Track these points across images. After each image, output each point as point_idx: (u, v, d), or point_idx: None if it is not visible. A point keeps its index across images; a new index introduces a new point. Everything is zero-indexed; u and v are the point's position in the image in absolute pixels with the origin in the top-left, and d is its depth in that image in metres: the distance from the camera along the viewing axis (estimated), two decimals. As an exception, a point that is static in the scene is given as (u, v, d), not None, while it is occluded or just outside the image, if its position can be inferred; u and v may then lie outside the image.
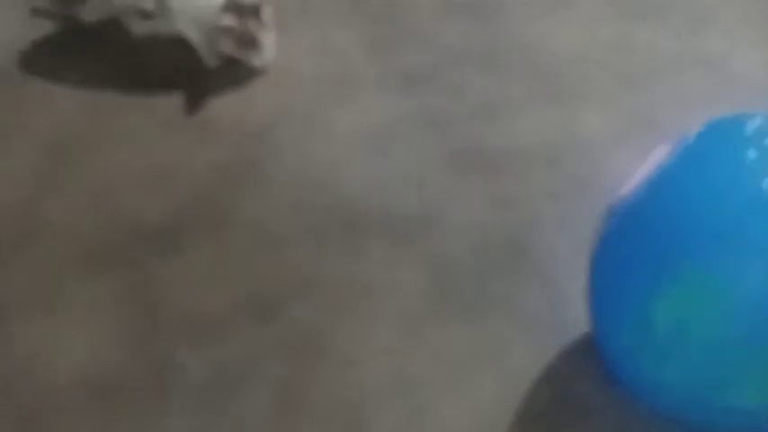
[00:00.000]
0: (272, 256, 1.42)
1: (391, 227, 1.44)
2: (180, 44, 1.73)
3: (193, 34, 1.68)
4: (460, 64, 1.67)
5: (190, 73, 1.72)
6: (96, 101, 1.68)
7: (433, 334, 1.31)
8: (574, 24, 1.72)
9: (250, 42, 1.62)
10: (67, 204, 1.51)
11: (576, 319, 1.30)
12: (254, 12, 1.60)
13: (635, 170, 1.46)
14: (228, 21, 1.58)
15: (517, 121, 1.57)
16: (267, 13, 1.62)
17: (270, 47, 1.64)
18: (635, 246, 1.04)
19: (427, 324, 1.32)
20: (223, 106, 1.65)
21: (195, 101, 1.67)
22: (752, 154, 0.98)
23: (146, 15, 1.76)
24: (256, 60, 1.64)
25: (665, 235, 1.01)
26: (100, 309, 1.37)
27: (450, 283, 1.36)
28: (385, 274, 1.38)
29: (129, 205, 1.51)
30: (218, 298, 1.37)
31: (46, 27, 1.82)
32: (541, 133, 1.54)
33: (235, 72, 1.70)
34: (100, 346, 1.33)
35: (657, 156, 1.06)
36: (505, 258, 1.38)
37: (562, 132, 1.54)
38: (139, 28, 1.79)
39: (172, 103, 1.67)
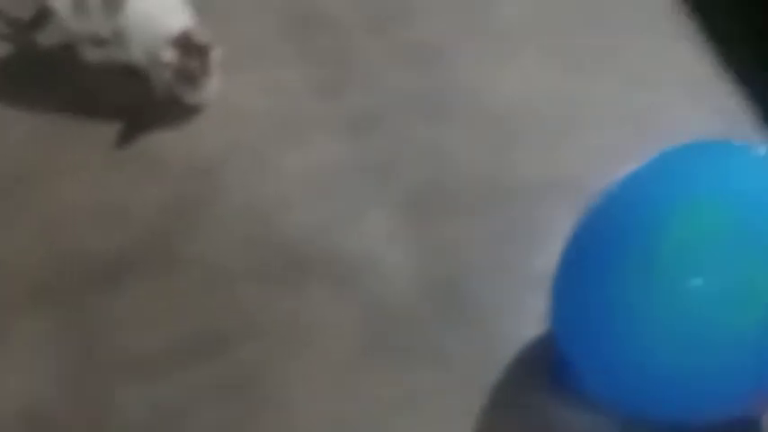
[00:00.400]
0: (215, 295, 1.46)
1: (333, 268, 1.49)
2: (134, 74, 1.76)
3: (147, 63, 1.71)
4: (406, 108, 1.72)
5: (141, 106, 1.74)
6: (45, 131, 1.70)
7: (369, 377, 1.36)
8: (516, 74, 1.78)
9: (188, 80, 1.64)
10: (10, 239, 1.53)
11: (506, 366, 1.36)
12: (201, 52, 1.62)
13: (566, 217, 1.54)
14: (171, 55, 1.61)
15: (457, 167, 1.63)
16: (215, 56, 1.64)
17: (208, 88, 1.67)
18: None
19: (364, 368, 1.37)
20: (172, 142, 1.68)
21: (145, 135, 1.69)
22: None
23: (100, 42, 1.78)
24: (189, 98, 1.67)
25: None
26: (40, 346, 1.39)
27: (387, 326, 1.41)
28: (326, 316, 1.43)
29: (73, 241, 1.53)
30: (160, 336, 1.40)
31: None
32: (480, 180, 1.60)
33: (185, 108, 1.73)
34: (39, 384, 1.35)
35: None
36: (441, 303, 1.44)
37: (500, 179, 1.61)
38: (93, 55, 1.81)
39: (122, 136, 1.69)
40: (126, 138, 1.68)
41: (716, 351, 1.08)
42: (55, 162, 1.64)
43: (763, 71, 1.80)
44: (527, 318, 1.42)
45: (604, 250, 1.14)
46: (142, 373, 1.36)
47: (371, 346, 1.39)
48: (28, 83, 1.78)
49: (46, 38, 1.82)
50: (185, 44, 1.62)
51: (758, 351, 1.07)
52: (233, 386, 1.35)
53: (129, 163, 1.64)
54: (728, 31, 1.89)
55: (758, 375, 1.10)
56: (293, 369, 1.37)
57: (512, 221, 1.54)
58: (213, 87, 1.68)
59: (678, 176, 1.13)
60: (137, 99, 1.75)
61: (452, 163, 1.63)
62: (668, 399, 1.14)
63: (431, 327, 1.41)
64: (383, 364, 1.37)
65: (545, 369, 1.36)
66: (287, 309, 1.44)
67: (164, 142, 1.68)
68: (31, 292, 1.46)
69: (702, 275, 1.06)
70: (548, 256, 1.49)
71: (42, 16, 1.76)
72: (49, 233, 1.54)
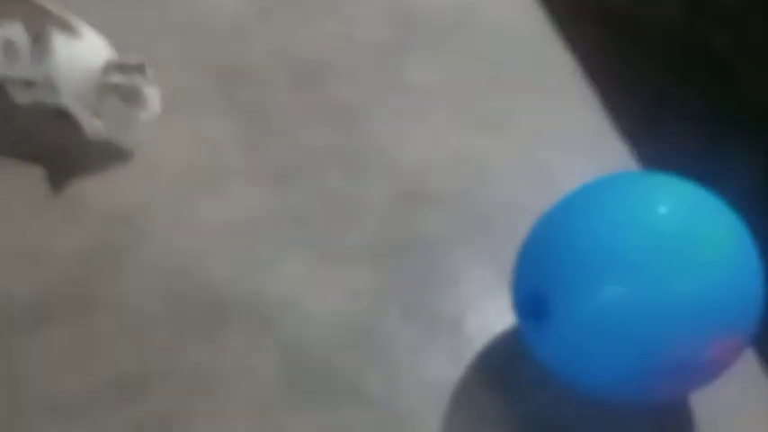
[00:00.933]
0: (133, 341, 1.49)
1: (250, 314, 1.54)
2: (63, 117, 1.78)
3: (76, 106, 1.74)
4: (324, 163, 1.81)
5: (67, 150, 1.77)
6: (-36, 176, 1.70)
7: (286, 420, 1.40)
8: (426, 133, 1.90)
9: (136, 97, 1.67)
10: (-72, 282, 1.52)
11: (413, 406, 1.44)
12: (140, 69, 1.67)
13: (473, 266, 1.64)
14: (115, 78, 1.65)
15: (370, 219, 1.72)
16: (149, 70, 1.68)
17: (155, 101, 1.70)
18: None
19: (280, 410, 1.42)
20: (94, 188, 1.71)
21: (67, 180, 1.72)
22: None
23: (29, 84, 1.81)
24: (143, 114, 1.69)
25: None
26: (-43, 389, 1.39)
27: (302, 369, 1.47)
28: (242, 361, 1.47)
29: (-8, 285, 1.53)
30: (79, 380, 1.42)
31: None
32: (391, 232, 1.69)
33: (108, 154, 1.76)
34: (-45, 427, 1.34)
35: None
36: (355, 345, 1.51)
37: (408, 232, 1.70)
38: (23, 97, 1.83)
39: (43, 180, 1.71)
40: (48, 182, 1.71)
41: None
42: (-26, 207, 1.65)
43: (648, 129, 1.97)
44: (439, 357, 1.50)
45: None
46: (62, 416, 1.37)
47: (289, 389, 1.44)
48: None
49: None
50: (121, 66, 1.66)
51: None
52: (152, 428, 1.37)
53: (50, 208, 1.66)
54: (618, 92, 2.07)
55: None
56: (209, 412, 1.40)
57: (422, 270, 1.64)
58: (158, 100, 1.70)
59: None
60: (62, 143, 1.78)
61: (366, 215, 1.72)
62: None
63: (345, 368, 1.48)
64: (301, 404, 1.43)
65: (459, 400, 1.44)
66: (203, 353, 1.48)
67: (86, 188, 1.71)
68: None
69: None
70: (456, 300, 1.59)
71: None
72: (-34, 277, 1.54)
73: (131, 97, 1.67)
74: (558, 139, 1.91)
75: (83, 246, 1.61)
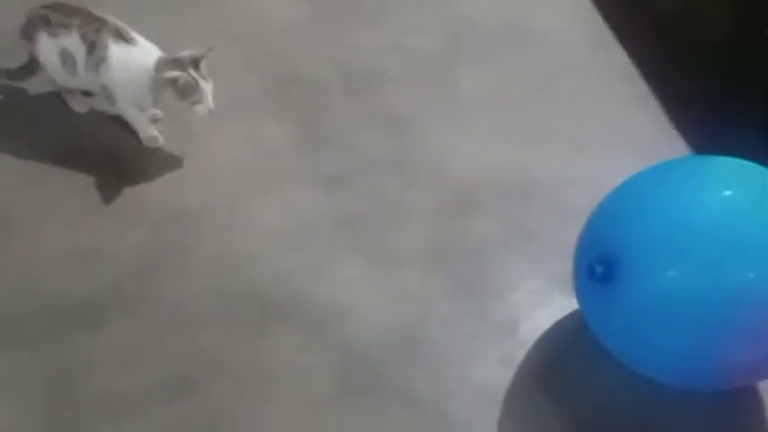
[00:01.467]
0: (188, 339, 1.50)
1: (303, 315, 1.55)
2: (119, 124, 1.83)
3: (132, 113, 1.79)
4: (375, 169, 1.82)
5: (124, 154, 1.81)
6: (29, 175, 1.75)
7: (336, 420, 1.41)
8: (473, 142, 1.90)
9: (193, 91, 1.69)
10: (-8, 279, 1.57)
11: (463, 410, 1.43)
12: (194, 63, 1.69)
13: (524, 273, 1.63)
14: (169, 73, 1.67)
15: (420, 224, 1.72)
16: (204, 64, 1.71)
17: (209, 94, 1.72)
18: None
19: (331, 410, 1.42)
20: (150, 191, 1.74)
21: (125, 182, 1.75)
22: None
23: (87, 93, 1.86)
24: (199, 108, 1.71)
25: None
26: (19, 383, 1.42)
27: (353, 371, 1.47)
28: (293, 361, 1.49)
29: (51, 283, 1.57)
30: (135, 377, 1.45)
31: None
32: (441, 237, 1.69)
33: (165, 158, 1.80)
34: (19, 420, 1.38)
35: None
36: (406, 349, 1.51)
37: (458, 238, 1.70)
38: (80, 105, 1.88)
39: (103, 182, 1.75)
40: (107, 184, 1.75)
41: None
42: (37, 206, 1.70)
43: (708, 133, 1.94)
44: (489, 362, 1.50)
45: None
46: (119, 411, 1.39)
47: (340, 390, 1.45)
48: (14, 129, 1.85)
49: (36, 87, 1.89)
50: (174, 61, 1.69)
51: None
52: (204, 427, 1.39)
53: (108, 210, 1.70)
54: (674, 94, 2.04)
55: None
56: (262, 412, 1.42)
57: (471, 276, 1.63)
58: (212, 95, 1.72)
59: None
60: (120, 148, 1.82)
61: (417, 221, 1.73)
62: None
63: (399, 371, 1.48)
64: (353, 407, 1.43)
65: (510, 405, 1.44)
66: (257, 353, 1.49)
67: (143, 191, 1.74)
68: (9, 330, 1.49)
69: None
70: (507, 305, 1.58)
71: (31, 68, 1.84)
72: (28, 274, 1.58)
73: (187, 91, 1.69)
74: (608, 144, 1.90)
75: (139, 246, 1.64)
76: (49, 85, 1.86)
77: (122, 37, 1.73)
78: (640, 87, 2.07)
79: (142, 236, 1.66)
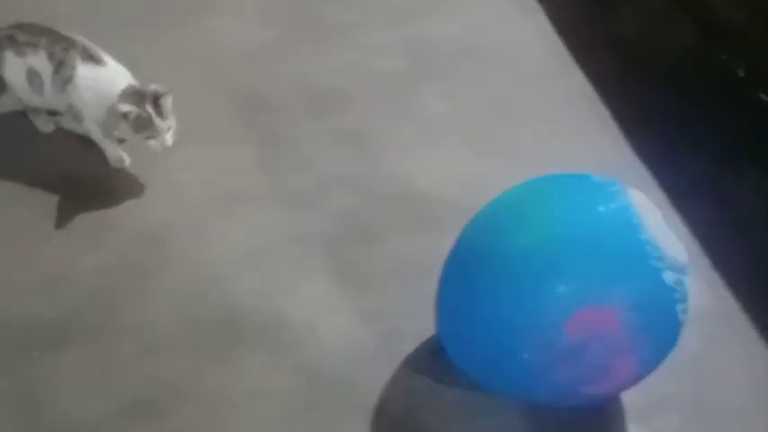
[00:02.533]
0: (151, 363, 1.50)
1: (267, 338, 1.55)
2: (84, 143, 1.82)
3: (98, 134, 1.78)
4: (339, 188, 1.83)
5: (88, 175, 1.81)
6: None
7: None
8: (434, 159, 1.92)
9: (146, 127, 1.69)
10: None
11: (431, 422, 1.44)
12: (154, 98, 1.69)
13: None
14: (126, 106, 1.67)
15: (386, 243, 1.73)
16: (167, 100, 1.70)
17: (168, 132, 1.72)
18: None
19: (298, 430, 1.42)
20: (115, 213, 1.74)
21: (89, 205, 1.75)
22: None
23: (53, 113, 1.85)
24: (153, 144, 1.71)
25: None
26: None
27: (319, 392, 1.48)
28: (259, 383, 1.48)
29: (12, 307, 1.56)
30: (98, 400, 1.44)
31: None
32: (405, 256, 1.71)
33: (130, 180, 1.80)
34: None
35: None
36: (373, 368, 1.51)
37: (423, 255, 1.70)
38: (46, 126, 1.88)
39: (66, 204, 1.74)
40: (70, 206, 1.74)
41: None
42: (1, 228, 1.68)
43: (665, 151, 1.98)
44: (447, 376, 1.50)
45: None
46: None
47: (306, 411, 1.45)
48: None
49: (1, 106, 1.88)
50: (136, 94, 1.69)
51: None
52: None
53: (73, 232, 1.70)
54: (633, 113, 2.08)
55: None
56: (227, 434, 1.41)
57: (429, 294, 1.64)
58: (172, 133, 1.72)
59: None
60: (84, 168, 1.82)
61: (381, 239, 1.74)
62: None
63: (361, 389, 1.48)
64: (318, 427, 1.43)
65: (479, 417, 1.45)
66: (221, 377, 1.49)
67: (108, 213, 1.74)
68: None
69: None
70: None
71: None
72: (-11, 300, 1.57)
73: (140, 126, 1.69)
74: (572, 163, 1.93)
75: (104, 269, 1.64)
76: (15, 105, 1.86)
77: (91, 57, 1.73)
78: (599, 105, 2.11)
79: (105, 259, 1.66)
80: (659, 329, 1.32)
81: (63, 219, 1.72)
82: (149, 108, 1.68)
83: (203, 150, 1.89)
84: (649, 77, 2.21)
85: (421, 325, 1.58)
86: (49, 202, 1.75)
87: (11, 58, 1.75)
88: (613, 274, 1.28)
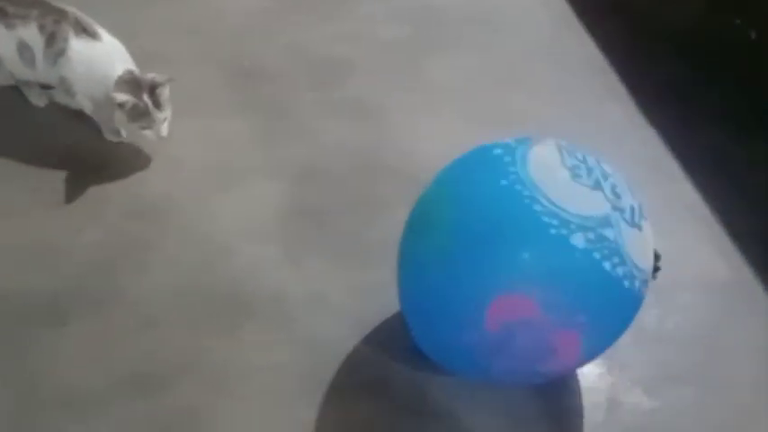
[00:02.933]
0: (153, 336, 1.47)
1: (269, 311, 1.53)
2: (78, 117, 1.79)
3: (92, 108, 1.75)
4: (341, 160, 1.80)
5: (83, 149, 1.77)
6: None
7: (304, 415, 1.39)
8: (440, 130, 1.88)
9: (142, 117, 1.66)
10: (-52, 279, 1.53)
11: (435, 397, 1.41)
12: (151, 88, 1.65)
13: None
14: (122, 96, 1.64)
15: (388, 214, 1.69)
16: (164, 90, 1.67)
17: (164, 123, 1.69)
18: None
19: (299, 405, 1.40)
20: (114, 187, 1.71)
21: (87, 178, 1.72)
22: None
23: (45, 86, 1.81)
24: (148, 134, 1.69)
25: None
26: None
27: (321, 365, 1.45)
28: (261, 356, 1.46)
29: (11, 282, 1.53)
30: (99, 375, 1.41)
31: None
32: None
33: (128, 153, 1.76)
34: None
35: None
36: (375, 342, 1.49)
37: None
38: (39, 99, 1.84)
39: (64, 178, 1.71)
40: (66, 181, 1.71)
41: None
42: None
43: (678, 120, 1.94)
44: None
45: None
46: (83, 410, 1.36)
47: (308, 384, 1.42)
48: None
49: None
50: (133, 82, 1.65)
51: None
52: (171, 424, 1.36)
53: (71, 206, 1.67)
54: (644, 82, 2.03)
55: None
56: (229, 408, 1.39)
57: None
58: (167, 123, 1.70)
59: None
60: (79, 142, 1.78)
61: (383, 210, 1.70)
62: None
63: (367, 365, 1.46)
64: (320, 401, 1.41)
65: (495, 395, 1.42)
66: (224, 350, 1.46)
67: (107, 187, 1.70)
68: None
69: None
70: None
71: None
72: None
73: (135, 116, 1.65)
74: (581, 134, 1.89)
75: (104, 242, 1.61)
76: (8, 80, 1.82)
77: (85, 30, 1.68)
78: (608, 74, 2.06)
79: (103, 232, 1.63)
80: (592, 296, 1.22)
81: (60, 193, 1.69)
82: (146, 98, 1.64)
83: (202, 122, 1.85)
84: (660, 46, 2.16)
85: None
86: (46, 176, 1.71)
87: (1, 31, 1.70)
88: (517, 259, 1.20)
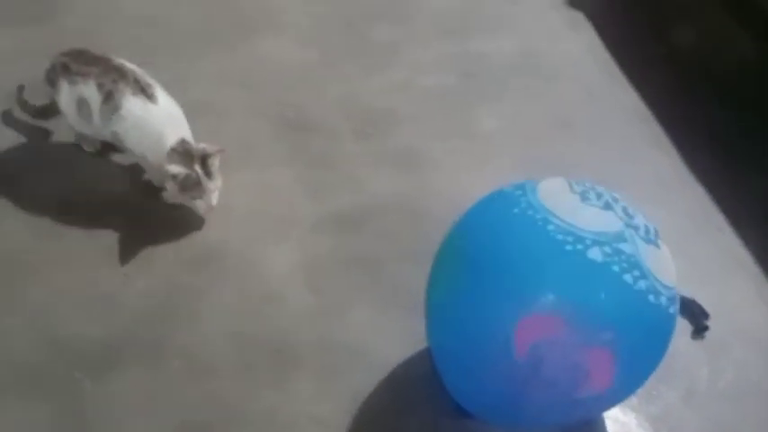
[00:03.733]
0: (203, 386, 1.49)
1: (317, 362, 1.53)
2: (135, 168, 1.84)
3: (145, 164, 1.79)
4: (389, 210, 1.81)
5: (136, 199, 1.81)
6: (45, 221, 1.74)
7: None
8: (490, 178, 1.87)
9: (194, 188, 1.68)
10: (2, 325, 1.56)
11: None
12: (202, 158, 1.68)
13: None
14: (176, 167, 1.66)
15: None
16: (215, 161, 1.69)
17: (214, 192, 1.71)
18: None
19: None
20: (166, 236, 1.74)
21: (139, 228, 1.75)
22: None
23: (102, 141, 1.86)
24: (200, 204, 1.71)
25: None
26: (37, 428, 1.41)
27: (369, 418, 1.45)
28: (310, 409, 1.46)
29: (64, 330, 1.56)
30: (149, 424, 1.43)
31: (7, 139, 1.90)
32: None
33: (178, 203, 1.80)
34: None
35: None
36: (421, 393, 1.48)
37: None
38: (91, 146, 1.88)
39: (116, 228, 1.74)
40: (121, 229, 1.74)
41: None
42: (51, 252, 1.69)
43: (724, 172, 1.92)
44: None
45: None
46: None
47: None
48: (33, 173, 1.85)
49: (55, 128, 1.91)
50: (185, 153, 1.68)
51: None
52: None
53: (123, 254, 1.70)
54: (689, 132, 2.02)
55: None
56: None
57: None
58: (217, 194, 1.71)
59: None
60: (133, 193, 1.82)
61: (431, 260, 1.70)
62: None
63: (410, 417, 1.45)
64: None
65: None
66: (271, 400, 1.47)
67: (158, 236, 1.73)
68: (23, 378, 1.48)
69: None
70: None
71: (50, 110, 1.85)
72: (41, 321, 1.57)
73: (187, 187, 1.68)
74: (629, 182, 1.88)
75: (155, 290, 1.63)
76: (68, 130, 1.88)
77: (142, 91, 1.72)
78: (653, 123, 2.06)
79: (155, 280, 1.65)
80: (617, 310, 1.20)
81: (111, 243, 1.72)
82: (198, 168, 1.67)
83: (251, 174, 1.88)
84: (706, 95, 2.15)
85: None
86: (98, 226, 1.75)
87: (64, 86, 1.76)
88: (537, 279, 1.22)
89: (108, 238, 1.73)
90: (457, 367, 1.35)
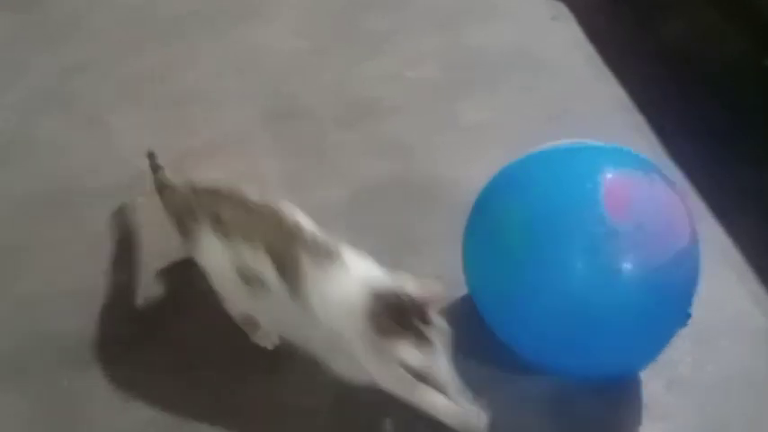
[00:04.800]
0: (187, 377, 1.48)
1: (307, 353, 1.52)
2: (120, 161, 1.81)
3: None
4: (376, 198, 1.81)
5: (125, 193, 1.79)
6: (31, 212, 1.73)
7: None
8: (478, 170, 1.89)
9: (418, 341, 1.24)
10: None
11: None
12: (416, 308, 1.24)
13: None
14: (409, 356, 1.25)
15: (424, 254, 1.71)
16: (434, 307, 1.27)
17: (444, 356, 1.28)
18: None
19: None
20: (151, 229, 1.70)
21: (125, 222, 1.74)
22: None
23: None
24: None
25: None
26: (20, 422, 1.41)
27: (352, 407, 1.45)
28: (297, 398, 1.46)
29: (47, 322, 1.55)
30: (133, 416, 1.42)
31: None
32: (444, 264, 1.65)
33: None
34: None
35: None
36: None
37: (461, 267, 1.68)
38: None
39: (102, 220, 1.73)
40: (106, 222, 1.72)
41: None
42: (37, 243, 1.68)
43: (706, 164, 1.93)
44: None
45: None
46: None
47: (339, 428, 1.42)
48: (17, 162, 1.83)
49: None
50: (392, 305, 1.25)
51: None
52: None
53: (107, 247, 1.67)
54: (673, 124, 2.04)
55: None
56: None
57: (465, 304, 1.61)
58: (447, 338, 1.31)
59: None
60: (121, 186, 1.80)
61: (418, 250, 1.71)
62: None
63: (400, 409, 1.45)
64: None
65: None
66: (259, 391, 1.47)
67: (142, 228, 1.71)
68: (6, 370, 1.48)
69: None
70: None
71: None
72: (25, 312, 1.57)
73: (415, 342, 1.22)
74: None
75: (139, 283, 1.63)
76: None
77: (324, 254, 1.32)
78: (637, 115, 2.07)
79: (141, 274, 1.65)
80: None
81: (99, 233, 1.70)
82: (421, 326, 1.26)
83: (239, 162, 1.87)
84: (695, 90, 2.16)
85: (468, 343, 1.55)
86: (87, 216, 1.73)
87: (211, 242, 1.37)
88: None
89: (94, 231, 1.72)
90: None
